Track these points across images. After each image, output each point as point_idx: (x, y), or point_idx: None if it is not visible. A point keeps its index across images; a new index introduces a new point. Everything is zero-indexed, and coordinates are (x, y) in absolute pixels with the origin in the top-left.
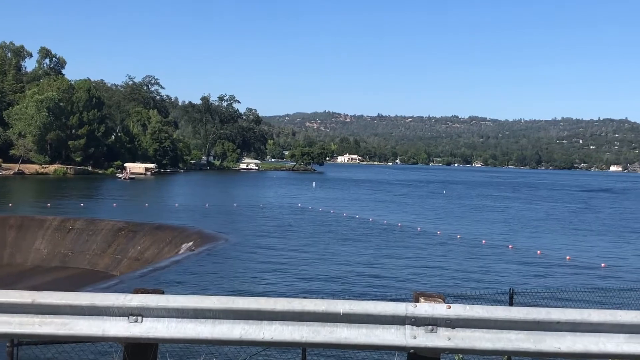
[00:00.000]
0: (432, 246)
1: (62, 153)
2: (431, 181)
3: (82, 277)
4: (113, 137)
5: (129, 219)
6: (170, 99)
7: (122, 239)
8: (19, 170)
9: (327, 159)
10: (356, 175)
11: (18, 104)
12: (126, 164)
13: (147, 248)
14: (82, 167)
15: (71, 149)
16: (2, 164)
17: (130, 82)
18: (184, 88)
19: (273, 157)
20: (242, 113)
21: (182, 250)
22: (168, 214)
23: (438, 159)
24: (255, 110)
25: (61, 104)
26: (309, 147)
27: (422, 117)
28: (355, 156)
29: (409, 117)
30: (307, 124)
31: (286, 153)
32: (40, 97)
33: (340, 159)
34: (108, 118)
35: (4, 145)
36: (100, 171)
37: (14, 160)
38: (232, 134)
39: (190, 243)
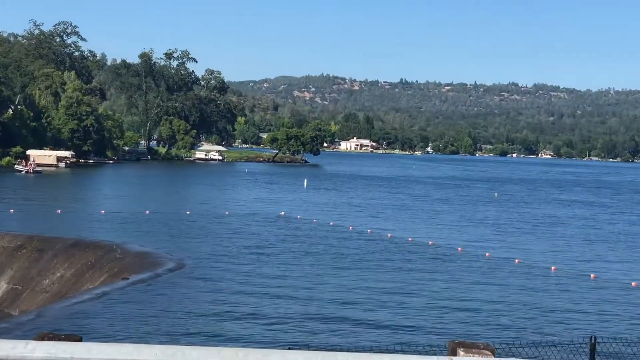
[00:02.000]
0: (478, 272)
1: None
2: (479, 179)
3: None
4: (10, 111)
5: (33, 231)
6: (94, 56)
7: (22, 261)
8: None
9: (325, 145)
10: (367, 170)
11: None
12: (29, 152)
13: (60, 275)
14: None
15: None
16: None
17: (37, 31)
18: (114, 41)
19: (245, 142)
20: (200, 77)
21: (109, 278)
22: (90, 224)
23: (488, 147)
24: (219, 72)
25: None
26: (297, 127)
27: (465, 84)
28: (366, 141)
29: (446, 85)
30: (296, 93)
31: (264, 136)
32: None
33: (344, 146)
34: (3, 83)
35: None
36: None
37: None
38: (184, 107)
39: (121, 266)
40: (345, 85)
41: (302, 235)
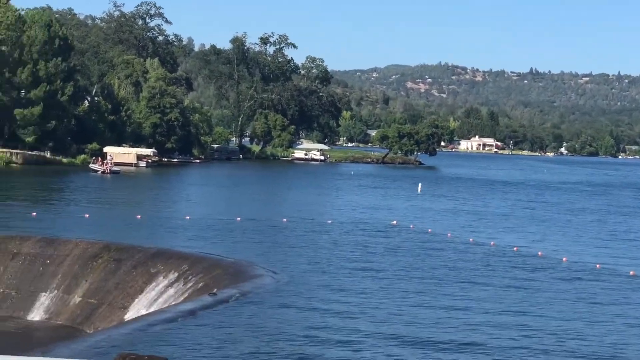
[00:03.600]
0: (618, 293)
1: (3, 129)
2: (622, 185)
3: (33, 334)
4: (86, 103)
5: (110, 238)
6: (180, 41)
7: (98, 272)
8: None
9: (443, 144)
10: (491, 173)
11: None
12: (107, 149)
13: (140, 288)
14: (35, 153)
15: (18, 122)
16: None
17: (117, 13)
18: (202, 24)
19: (350, 139)
20: (300, 65)
21: (195, 294)
22: (174, 232)
23: (633, 148)
24: (322, 60)
25: (3, 48)
26: (411, 123)
27: (607, 75)
28: (489, 140)
29: (584, 76)
30: (410, 84)
31: (372, 134)
32: None
33: (464, 145)
34: (79, 72)
35: None
36: (64, 159)
37: None
38: (281, 100)
39: (208, 280)
40: (467, 76)
41: (415, 248)
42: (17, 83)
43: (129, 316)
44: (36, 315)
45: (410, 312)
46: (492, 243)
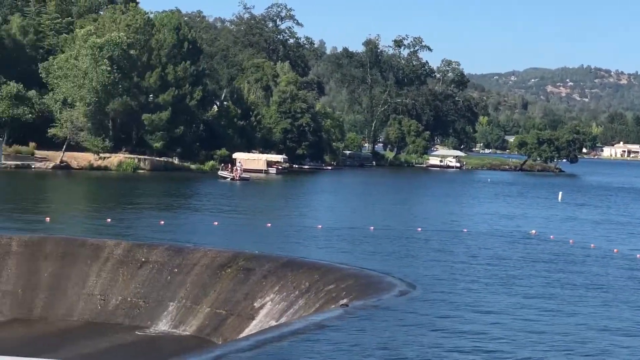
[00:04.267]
0: None
1: (131, 135)
2: None
3: (161, 345)
4: (215, 108)
5: (240, 247)
6: (312, 44)
7: (227, 282)
8: (62, 161)
9: (585, 151)
10: (638, 182)
11: (63, 52)
12: (236, 155)
13: (270, 299)
14: (163, 159)
15: (146, 127)
16: (37, 151)
17: (246, 16)
18: (335, 26)
19: (487, 146)
20: (435, 69)
21: (326, 304)
22: (305, 241)
23: None
24: (458, 63)
25: (132, 51)
26: (551, 129)
27: None
28: (635, 146)
29: None
30: (549, 88)
31: (510, 140)
32: (98, 40)
33: (607, 152)
34: (208, 76)
35: (41, 121)
36: (192, 166)
37: (55, 145)
38: (416, 104)
39: (339, 291)
40: (610, 79)
41: (555, 260)
42: (145, 87)
43: (258, 327)
44: (164, 325)
45: (549, 333)
46: (638, 256)
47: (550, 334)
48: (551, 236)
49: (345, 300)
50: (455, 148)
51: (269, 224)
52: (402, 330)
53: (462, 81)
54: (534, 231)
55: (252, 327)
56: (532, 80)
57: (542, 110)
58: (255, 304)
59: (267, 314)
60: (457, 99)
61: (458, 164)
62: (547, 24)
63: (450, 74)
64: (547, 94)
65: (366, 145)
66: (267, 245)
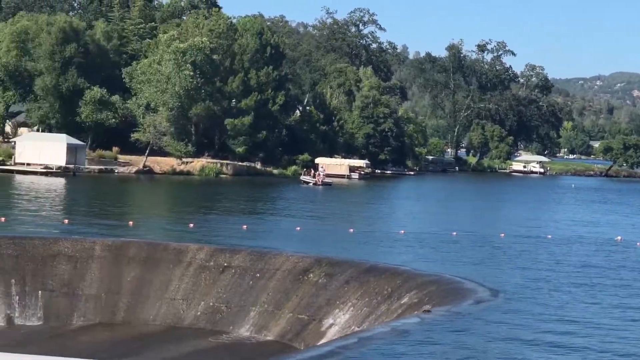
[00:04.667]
0: None
1: (214, 140)
2: None
3: (243, 350)
4: (298, 113)
5: (322, 252)
6: (394, 48)
7: (309, 287)
8: (145, 166)
9: None
10: None
11: (146, 57)
12: (319, 160)
13: (352, 305)
14: (245, 164)
15: (229, 132)
16: (120, 156)
17: (329, 20)
18: (418, 30)
19: (572, 151)
20: (519, 74)
21: (408, 310)
22: (387, 246)
23: None
24: (542, 68)
25: (215, 56)
26: (637, 135)
27: None
28: None
29: None
30: (636, 92)
31: (595, 145)
32: (181, 45)
33: None
34: (290, 81)
35: (124, 126)
36: (275, 170)
37: (138, 150)
38: (499, 109)
39: (422, 297)
40: None
41: None
42: (228, 92)
43: (339, 333)
44: (245, 330)
45: (638, 346)
46: None
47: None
48: (638, 243)
49: (427, 307)
50: (538, 153)
51: (352, 229)
52: (485, 338)
53: (546, 86)
54: (619, 238)
55: (334, 333)
56: (618, 84)
57: (629, 115)
58: (337, 310)
59: (348, 319)
60: (541, 104)
61: (542, 170)
62: (634, 27)
63: (534, 79)
64: (634, 98)
65: (449, 150)
66: (349, 250)
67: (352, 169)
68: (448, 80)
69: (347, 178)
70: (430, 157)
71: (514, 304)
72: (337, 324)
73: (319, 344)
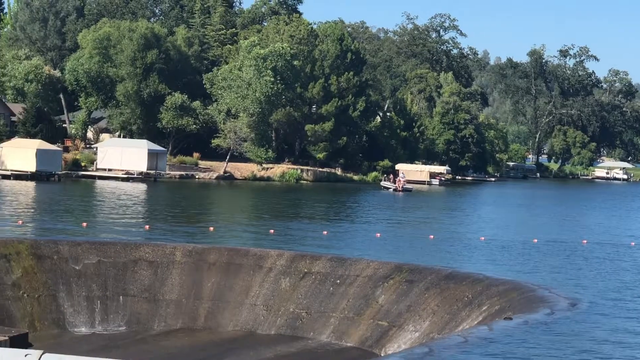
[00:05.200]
0: None
1: (294, 145)
2: None
3: (323, 356)
4: (378, 119)
5: (402, 259)
6: (475, 54)
7: (389, 294)
8: (225, 172)
9: None
10: None
11: (227, 63)
12: (399, 166)
13: (432, 311)
14: (325, 170)
15: (309, 138)
16: (201, 162)
17: (410, 26)
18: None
19: None
20: (602, 79)
21: (489, 318)
22: (467, 253)
23: None
24: (626, 73)
25: (295, 62)
26: None
27: None
28: None
29: None
30: None
31: None
32: (262, 51)
33: None
34: (371, 86)
35: (205, 131)
36: (355, 176)
37: (218, 155)
38: (582, 115)
39: (503, 304)
40: None
41: None
42: (308, 98)
43: (420, 339)
44: (326, 336)
45: None
46: None
47: None
48: None
49: (509, 314)
50: (622, 160)
51: (432, 236)
52: (568, 349)
53: (630, 91)
54: None
55: (414, 339)
56: None
57: None
58: (417, 316)
59: (429, 326)
60: (624, 109)
61: (625, 176)
62: None
63: (617, 84)
64: None
65: (530, 156)
66: (430, 257)
67: (432, 175)
68: (529, 86)
69: (428, 184)
70: (511, 164)
71: (596, 314)
72: (417, 330)
73: (399, 350)
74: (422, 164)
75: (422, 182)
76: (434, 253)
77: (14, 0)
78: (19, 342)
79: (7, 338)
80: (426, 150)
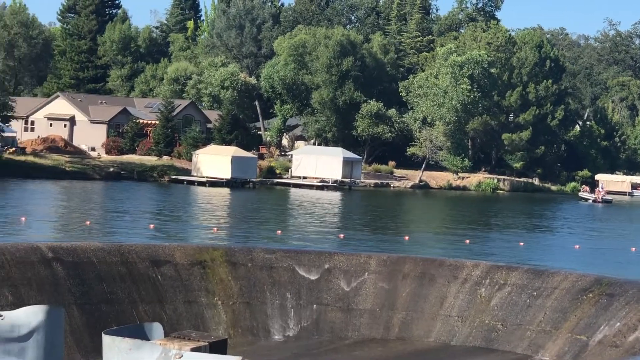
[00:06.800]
0: None
1: (490, 155)
2: None
3: None
4: (577, 128)
5: (602, 271)
6: None
7: (588, 307)
8: (421, 180)
9: None
10: None
11: (423, 71)
12: (598, 176)
13: (633, 326)
14: (523, 180)
15: (506, 147)
16: (396, 170)
17: (612, 33)
18: None
19: None
20: None
21: None
22: None
23: None
24: None
25: (492, 70)
26: None
27: None
28: None
29: None
30: None
31: None
32: (459, 58)
33: None
34: (570, 95)
35: (400, 139)
36: (553, 187)
37: (413, 164)
38: None
39: None
40: None
41: None
42: (506, 106)
43: (622, 355)
44: (522, 349)
45: None
46: None
47: None
48: None
49: None
50: None
51: (634, 248)
52: None
53: None
54: None
55: (617, 355)
56: None
57: None
58: (618, 332)
59: (632, 341)
60: None
61: None
62: None
63: None
64: None
65: None
66: (632, 270)
67: (634, 185)
68: None
69: (629, 195)
70: None
71: None
72: (619, 345)
73: None
74: (624, 174)
75: (624, 193)
76: (636, 266)
77: (211, 8)
78: (218, 347)
79: (206, 343)
80: (628, 160)
